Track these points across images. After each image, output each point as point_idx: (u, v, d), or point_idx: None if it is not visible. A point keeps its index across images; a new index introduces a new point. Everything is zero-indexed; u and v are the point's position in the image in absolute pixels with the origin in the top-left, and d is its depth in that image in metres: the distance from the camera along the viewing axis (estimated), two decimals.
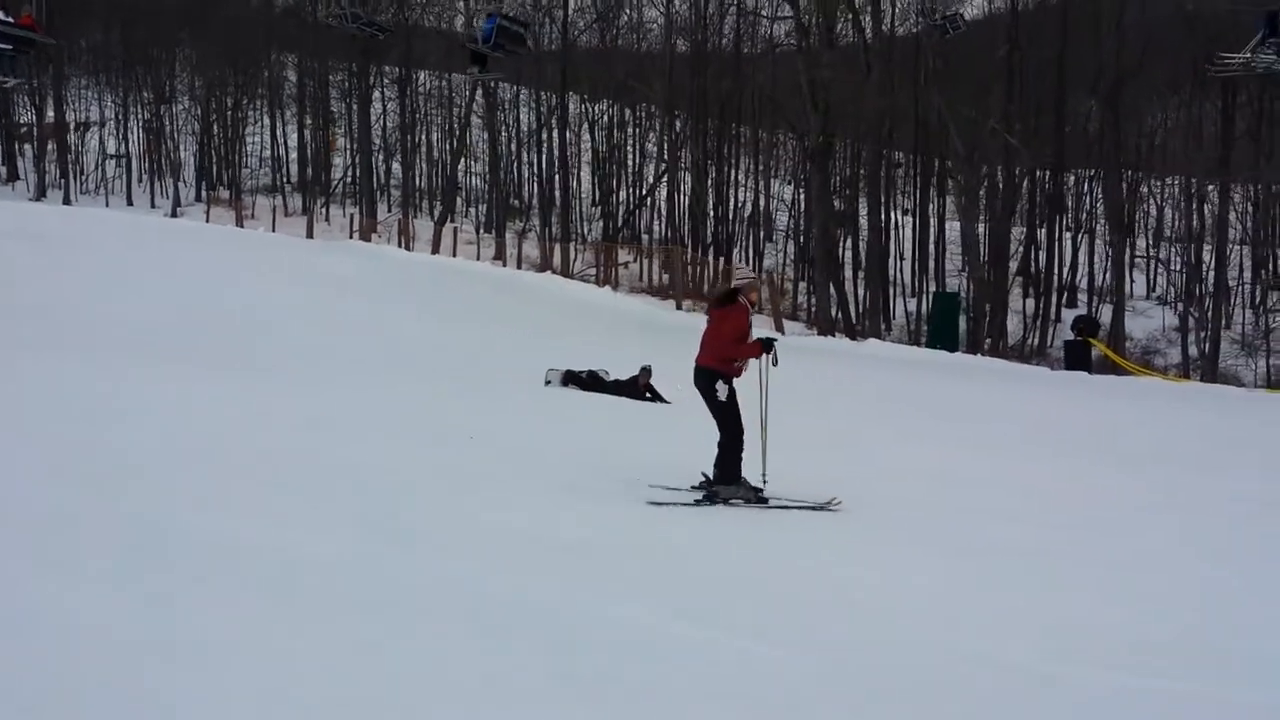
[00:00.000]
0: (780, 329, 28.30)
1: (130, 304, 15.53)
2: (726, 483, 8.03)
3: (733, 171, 48.01)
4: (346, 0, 32.24)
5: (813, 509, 7.90)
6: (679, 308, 30.47)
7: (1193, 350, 34.03)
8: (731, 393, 7.98)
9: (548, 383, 14.43)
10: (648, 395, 14.29)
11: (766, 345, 8.00)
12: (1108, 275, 37.81)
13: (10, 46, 16.95)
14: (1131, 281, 43.16)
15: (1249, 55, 15.71)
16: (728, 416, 8.01)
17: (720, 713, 4.00)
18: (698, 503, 7.98)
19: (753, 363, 8.13)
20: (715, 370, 7.98)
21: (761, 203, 49.72)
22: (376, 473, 7.77)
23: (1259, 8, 28.49)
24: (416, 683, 3.92)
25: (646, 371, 14.43)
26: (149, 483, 6.63)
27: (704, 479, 8.17)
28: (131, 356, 11.84)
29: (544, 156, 53.21)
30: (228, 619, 4.34)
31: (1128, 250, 41.52)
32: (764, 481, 8.06)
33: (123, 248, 21.52)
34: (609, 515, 7.32)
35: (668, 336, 22.70)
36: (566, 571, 5.75)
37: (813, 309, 36.30)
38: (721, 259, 42.63)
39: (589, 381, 14.42)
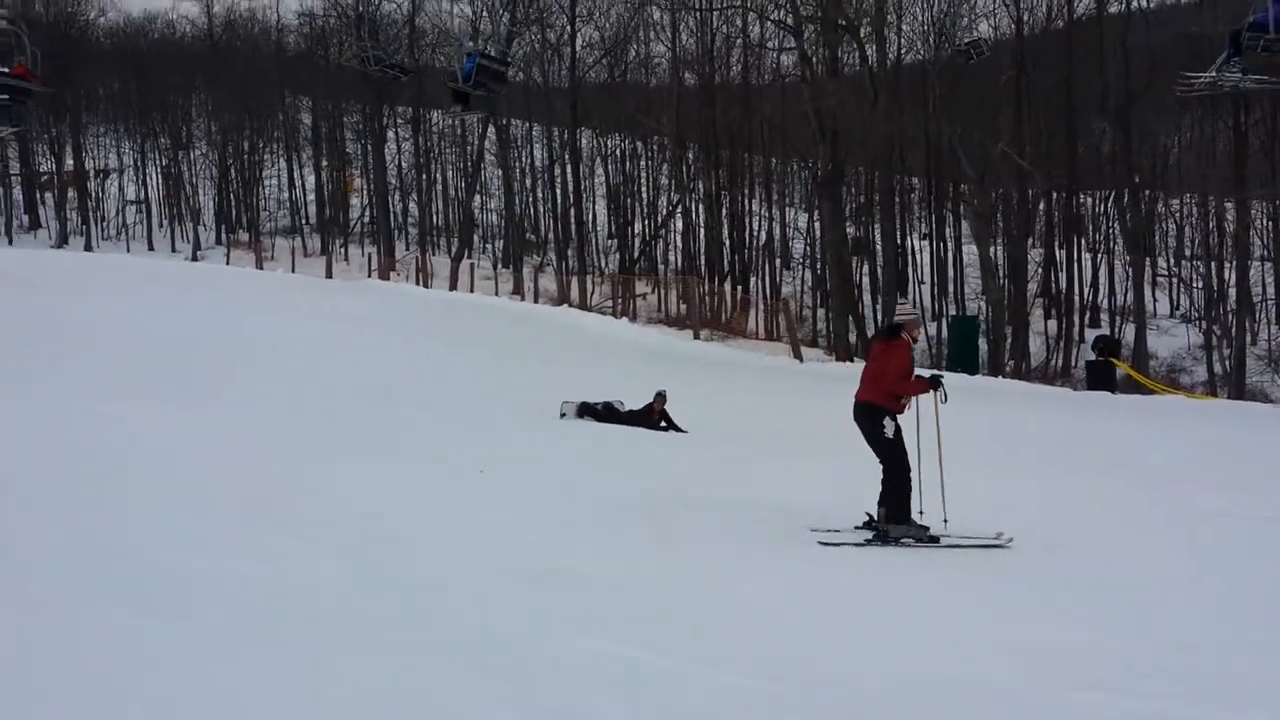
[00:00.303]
0: (799, 356, 28.16)
1: (145, 342, 15.56)
2: (898, 521, 7.84)
3: (746, 201, 48.10)
4: (368, 43, 32.58)
5: (985, 546, 7.69)
6: (696, 337, 30.38)
7: (1218, 367, 33.68)
8: (898, 429, 7.83)
9: (563, 415, 14.35)
10: (662, 424, 14.17)
11: (935, 382, 7.92)
12: (1128, 295, 37.53)
13: (7, 96, 17.14)
14: (1155, 300, 42.86)
15: (1215, 74, 15.76)
16: (894, 454, 7.85)
17: None
18: (868, 542, 7.80)
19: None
20: (881, 407, 7.83)
21: (777, 231, 49.76)
22: (376, 507, 7.70)
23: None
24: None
25: (660, 398, 14.33)
26: (152, 515, 6.57)
27: (869, 518, 8.00)
28: (130, 382, 11.85)
29: (558, 191, 53.50)
30: (220, 652, 4.25)
31: (1148, 269, 41.27)
32: (944, 521, 7.92)
33: (142, 291, 21.66)
34: (624, 549, 7.21)
35: (684, 366, 22.67)
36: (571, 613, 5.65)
37: (832, 336, 36.16)
38: (739, 288, 42.60)
39: (604, 413, 14.32)
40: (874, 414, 7.85)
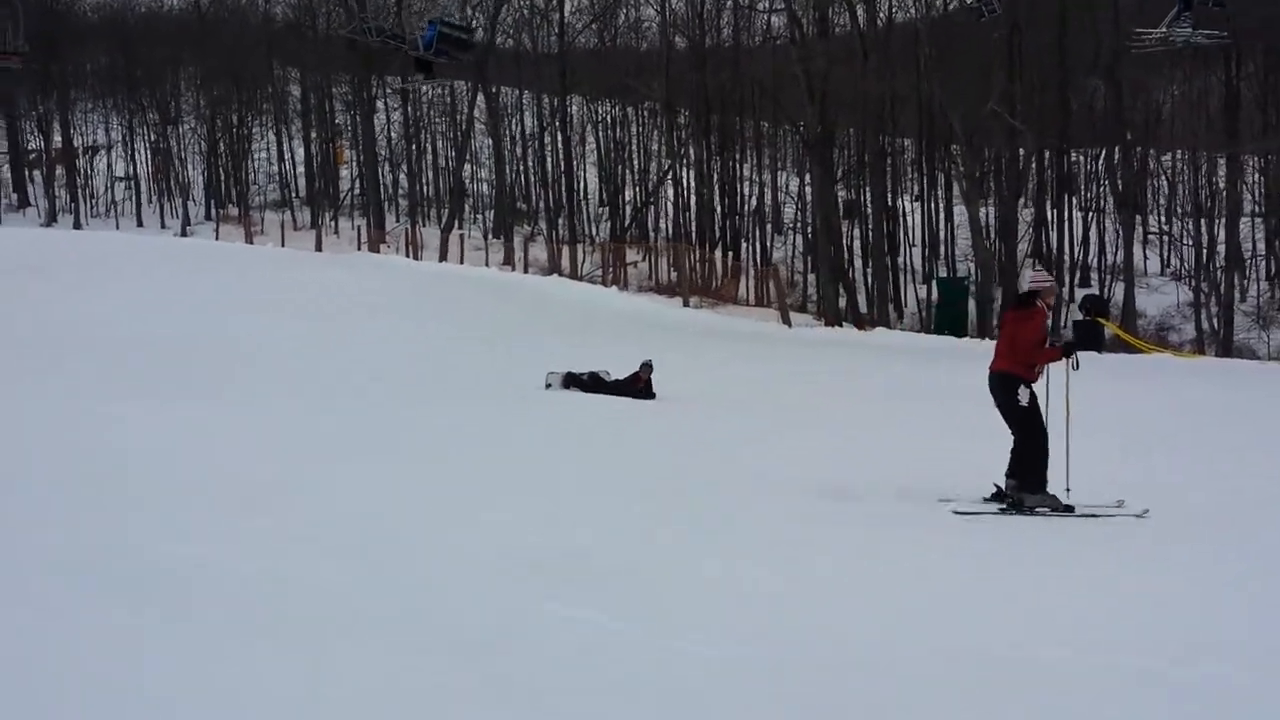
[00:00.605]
0: (787, 322, 28.26)
1: (131, 327, 15.66)
2: (1032, 491, 7.86)
3: (737, 166, 47.93)
4: (370, 13, 32.37)
5: (1121, 516, 7.75)
6: (686, 305, 30.49)
7: (1207, 325, 33.78)
8: (1033, 397, 7.85)
9: (548, 386, 14.45)
10: (648, 394, 14.27)
11: (1068, 349, 7.91)
12: (1118, 253, 37.55)
13: None
14: (1145, 258, 42.86)
15: (1165, 30, 16.04)
16: (1030, 422, 7.87)
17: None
18: (1003, 511, 7.85)
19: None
20: (1015, 375, 7.84)
21: (768, 196, 49.65)
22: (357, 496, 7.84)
23: None
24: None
25: (647, 367, 14.41)
26: (152, 514, 6.71)
27: (997, 489, 8.01)
28: (129, 382, 11.96)
29: (549, 159, 53.32)
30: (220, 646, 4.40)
31: (1139, 227, 41.26)
32: (1067, 490, 7.93)
33: (127, 273, 21.69)
34: (610, 522, 7.36)
35: (674, 334, 22.81)
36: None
37: (821, 301, 36.22)
38: (729, 254, 42.57)
39: (589, 383, 14.42)
40: (1008, 383, 7.85)
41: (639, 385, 14.22)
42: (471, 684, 4.26)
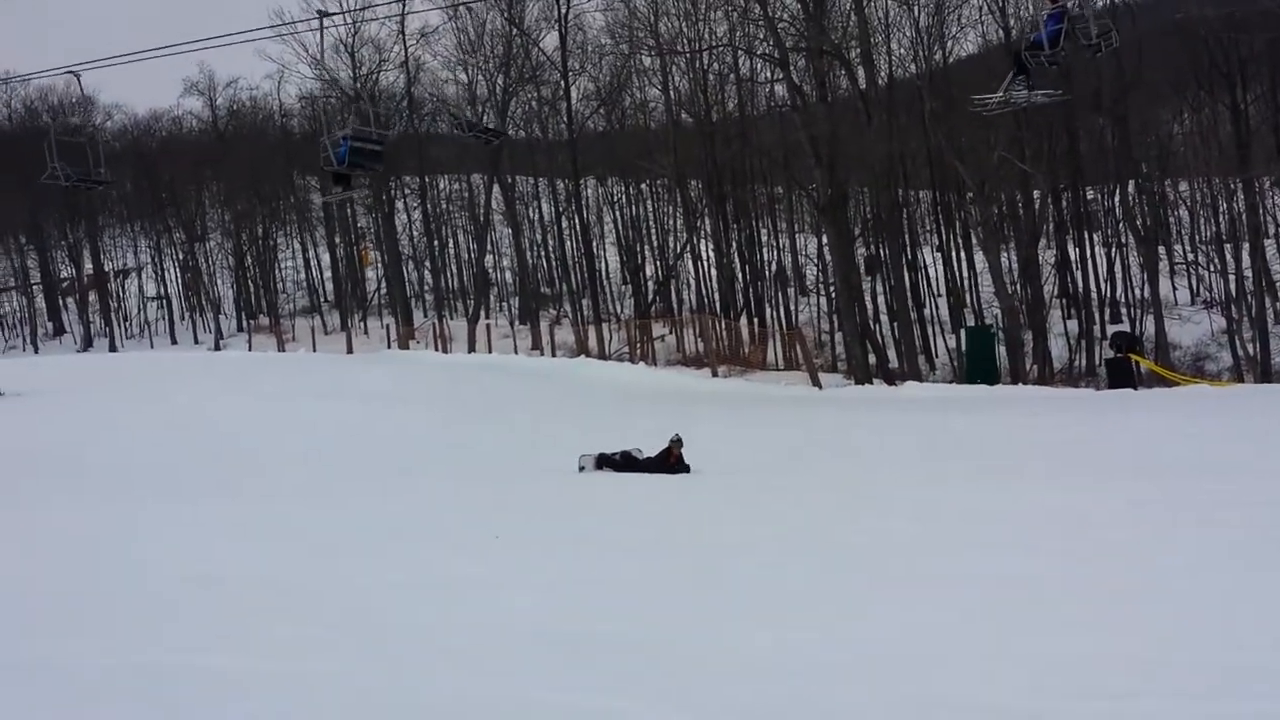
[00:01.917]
0: (817, 384, 28.17)
1: (162, 443, 15.86)
2: None
3: (755, 233, 48.29)
4: (466, 109, 33.27)
5: None
6: (714, 375, 30.49)
7: (1243, 351, 33.34)
8: None
9: (581, 469, 14.42)
10: (685, 466, 14.19)
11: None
12: (1144, 287, 37.32)
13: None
14: (1175, 289, 42.53)
15: (1004, 94, 16.81)
16: None
17: None
18: None
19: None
20: None
21: (788, 259, 49.90)
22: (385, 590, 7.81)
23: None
24: None
25: (677, 442, 14.35)
26: (185, 621, 6.72)
27: None
28: (165, 491, 12.08)
29: (568, 242, 53.97)
30: None
31: (1163, 258, 41.05)
32: None
33: (160, 386, 22.04)
34: (644, 601, 7.29)
35: (703, 405, 22.77)
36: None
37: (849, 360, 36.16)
38: (754, 321, 42.70)
39: (622, 463, 14.37)
40: None
41: (671, 460, 14.15)
42: None
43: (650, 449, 14.48)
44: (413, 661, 5.90)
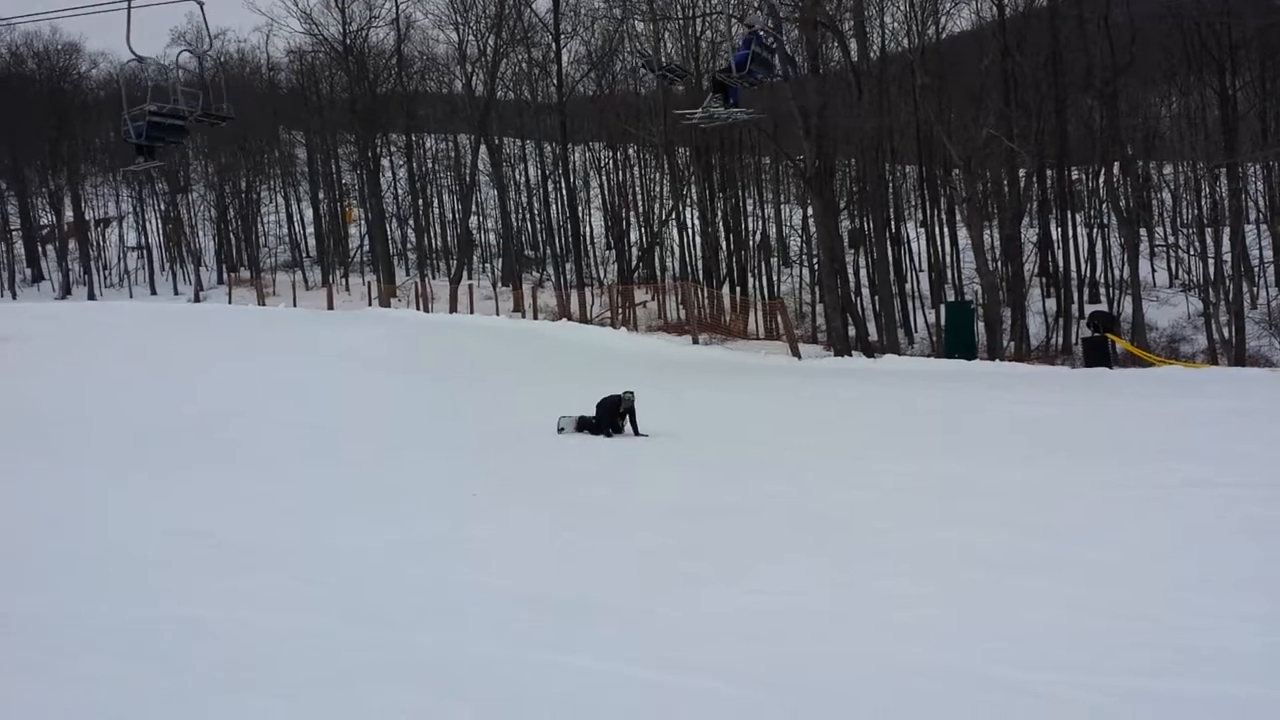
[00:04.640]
0: (797, 354, 28.32)
1: (135, 400, 15.86)
2: None
3: (741, 202, 48.26)
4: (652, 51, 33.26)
5: None
6: (695, 342, 30.59)
7: (1219, 334, 33.67)
8: None
9: (560, 430, 14.56)
10: (623, 425, 14.31)
11: None
12: (1124, 268, 37.58)
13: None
14: (1154, 271, 42.81)
15: (703, 111, 18.27)
16: None
17: None
18: None
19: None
20: None
21: (772, 230, 49.94)
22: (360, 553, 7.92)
23: None
24: None
25: (629, 395, 14.45)
26: (174, 580, 6.82)
27: None
28: (143, 453, 12.13)
29: (554, 206, 53.81)
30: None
31: (1145, 240, 41.28)
32: None
33: (137, 340, 21.97)
34: (623, 563, 7.42)
35: (683, 371, 22.90)
36: None
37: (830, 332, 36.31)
38: (737, 290, 42.77)
39: (590, 421, 14.58)
40: None
41: (620, 411, 14.34)
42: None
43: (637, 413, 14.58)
44: (395, 618, 6.02)
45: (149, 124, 16.47)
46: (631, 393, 14.50)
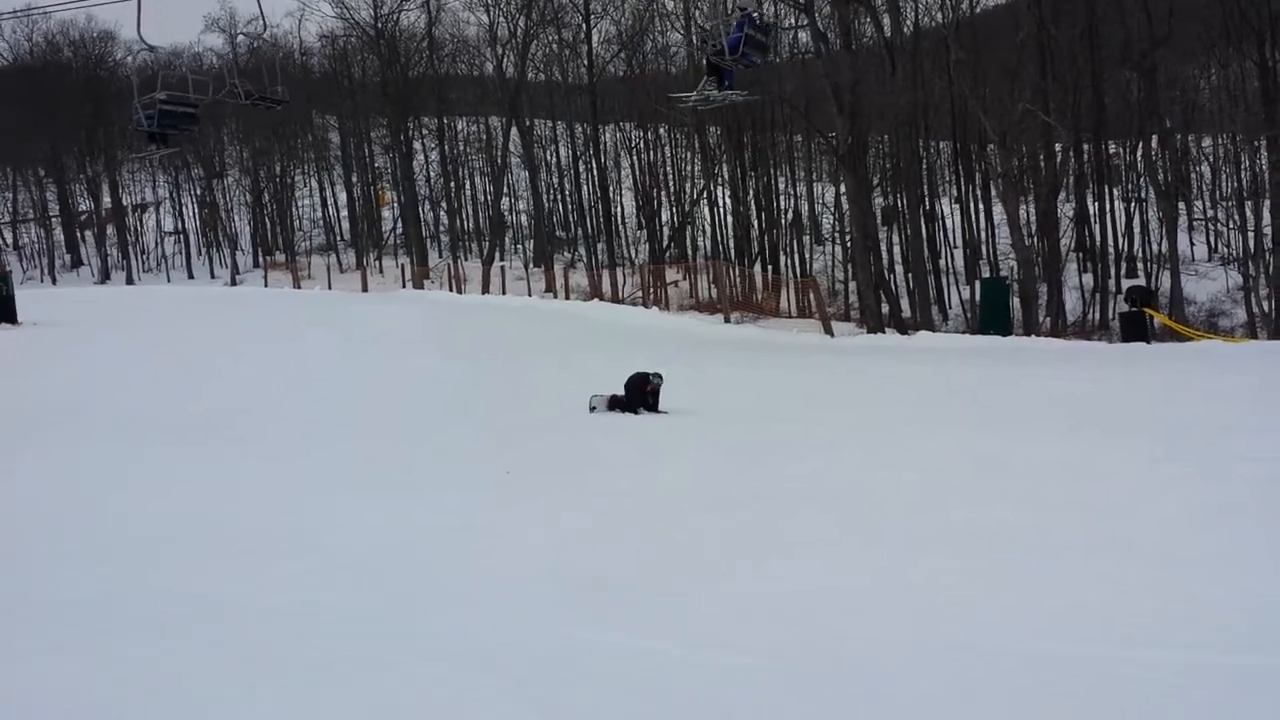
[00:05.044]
0: (829, 332, 28.22)
1: (168, 383, 16.07)
2: None
3: (773, 180, 48.04)
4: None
5: None
6: (727, 320, 30.55)
7: (1258, 308, 33.19)
8: None
9: (593, 409, 14.59)
10: (654, 399, 14.33)
11: None
12: (1163, 242, 37.09)
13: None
14: (1192, 245, 42.22)
15: (698, 94, 18.29)
16: None
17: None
18: None
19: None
20: None
21: (805, 208, 49.67)
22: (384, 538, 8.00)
23: None
24: None
25: (657, 376, 14.43)
26: (187, 553, 6.94)
27: None
28: (179, 431, 12.30)
29: (585, 187, 53.80)
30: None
31: (1183, 214, 40.69)
32: None
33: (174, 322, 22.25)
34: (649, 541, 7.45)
35: (715, 350, 22.85)
36: None
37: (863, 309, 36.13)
38: (769, 268, 42.62)
39: (621, 399, 14.60)
40: None
41: (645, 389, 14.33)
42: (487, 689, 4.40)
43: (663, 392, 14.60)
44: (410, 597, 6.09)
45: (160, 112, 16.66)
46: (660, 376, 14.48)
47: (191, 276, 59.42)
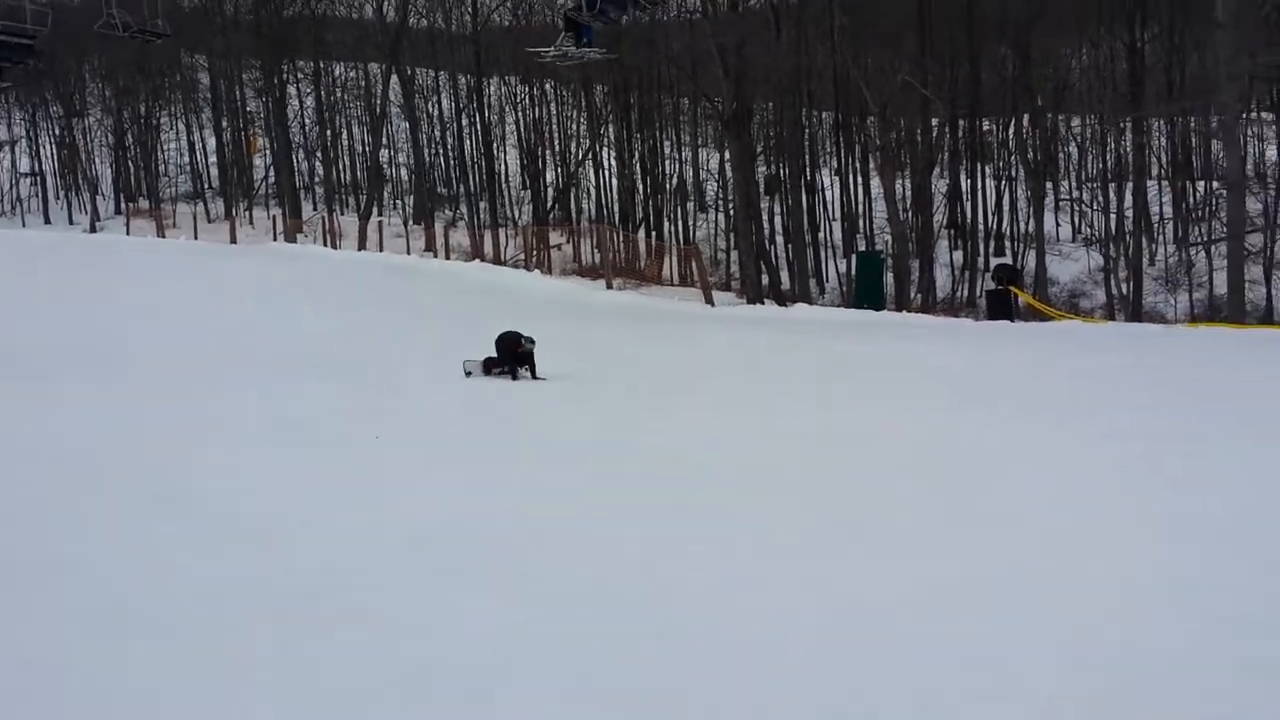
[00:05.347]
0: (710, 301, 28.35)
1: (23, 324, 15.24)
2: None
3: (659, 144, 47.90)
4: None
5: None
6: (609, 286, 30.41)
7: (1117, 290, 34.55)
8: None
9: (468, 374, 14.33)
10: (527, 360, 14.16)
11: None
12: (1030, 221, 38.30)
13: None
14: (1058, 226, 43.73)
15: (555, 49, 18.70)
16: None
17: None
18: None
19: None
20: None
21: (690, 174, 49.72)
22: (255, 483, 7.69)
23: None
24: None
25: (529, 340, 14.23)
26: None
27: None
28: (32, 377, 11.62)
29: (468, 142, 52.78)
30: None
31: (1050, 194, 42.06)
32: None
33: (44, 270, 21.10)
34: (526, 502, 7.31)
35: (597, 316, 22.76)
36: None
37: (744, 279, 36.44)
38: (652, 235, 42.59)
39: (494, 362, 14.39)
40: None
41: (517, 350, 14.11)
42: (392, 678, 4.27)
43: (537, 355, 14.41)
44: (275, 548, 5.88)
45: None
46: (532, 340, 14.26)
47: (48, 221, 56.39)
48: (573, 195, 49.82)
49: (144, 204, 55.40)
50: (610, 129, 46.51)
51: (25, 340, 14.52)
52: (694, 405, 11.92)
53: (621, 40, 43.65)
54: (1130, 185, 36.66)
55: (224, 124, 58.62)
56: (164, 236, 41.65)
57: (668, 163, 48.51)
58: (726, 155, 41.43)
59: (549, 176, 51.05)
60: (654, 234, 42.49)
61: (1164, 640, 4.90)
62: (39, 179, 59.26)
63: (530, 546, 6.46)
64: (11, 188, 60.44)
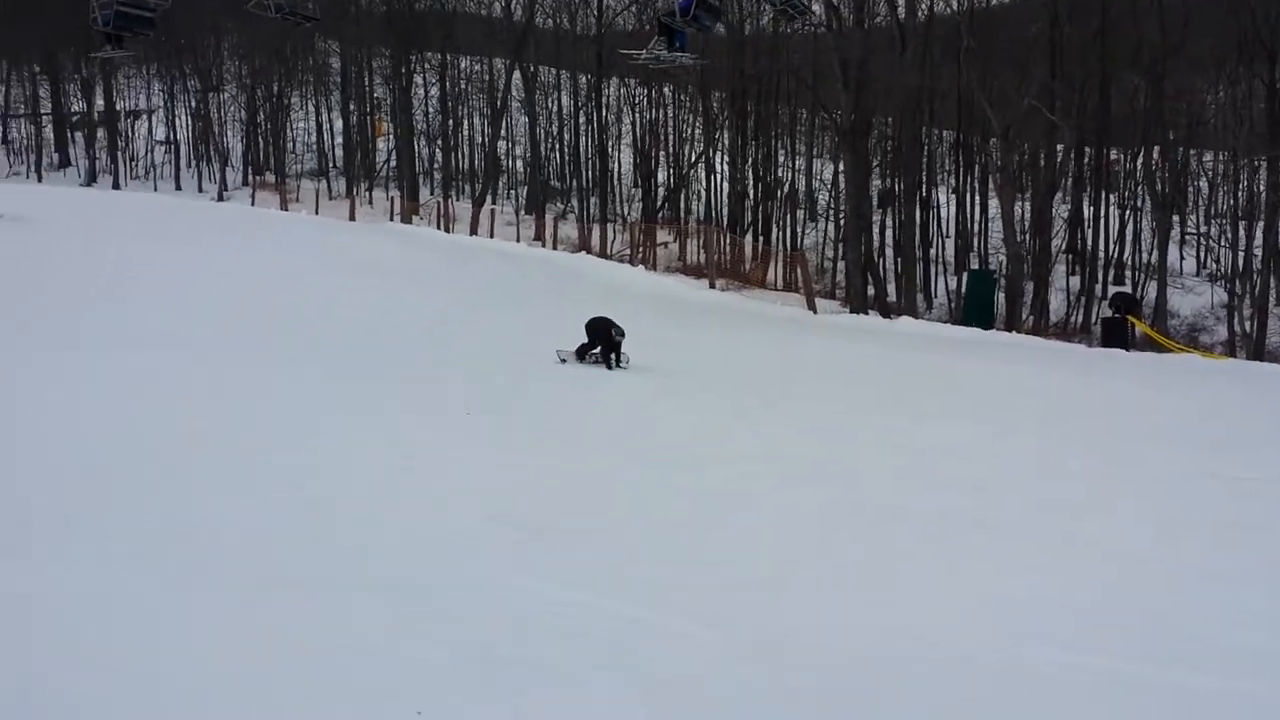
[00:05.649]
0: (813, 308, 28.17)
1: (154, 288, 15.88)
2: None
3: (773, 151, 47.71)
4: None
5: None
6: (712, 286, 30.45)
7: (1240, 327, 33.29)
8: None
9: (562, 360, 14.55)
10: (611, 354, 14.30)
11: None
12: (1154, 252, 37.11)
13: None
14: (1181, 259, 42.29)
15: (648, 53, 18.52)
16: None
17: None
18: None
19: None
20: None
21: (802, 182, 49.41)
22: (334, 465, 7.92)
23: None
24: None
25: (618, 330, 14.38)
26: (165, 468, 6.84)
27: None
28: (156, 342, 12.15)
29: (584, 139, 53.31)
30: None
31: (1176, 227, 40.72)
32: None
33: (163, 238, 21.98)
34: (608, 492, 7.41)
35: (697, 314, 22.83)
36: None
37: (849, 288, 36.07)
38: (760, 239, 42.45)
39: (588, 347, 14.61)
40: None
41: (610, 335, 14.29)
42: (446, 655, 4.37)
43: (632, 347, 14.55)
44: (363, 528, 6.04)
45: (115, 13, 16.41)
46: (622, 331, 14.38)
47: (179, 188, 58.63)
48: (683, 196, 49.88)
49: (269, 178, 57.22)
50: (725, 134, 46.45)
51: (187, 313, 15.12)
52: (787, 411, 11.88)
53: (744, 49, 43.73)
54: (1261, 224, 35.26)
55: (351, 107, 60.23)
56: (286, 209, 43.00)
57: (781, 170, 48.28)
58: (841, 166, 41.09)
59: (660, 176, 51.23)
60: (761, 239, 42.33)
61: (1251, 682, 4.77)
62: (174, 147, 61.67)
63: (609, 536, 6.53)
64: (147, 154, 62.99)
